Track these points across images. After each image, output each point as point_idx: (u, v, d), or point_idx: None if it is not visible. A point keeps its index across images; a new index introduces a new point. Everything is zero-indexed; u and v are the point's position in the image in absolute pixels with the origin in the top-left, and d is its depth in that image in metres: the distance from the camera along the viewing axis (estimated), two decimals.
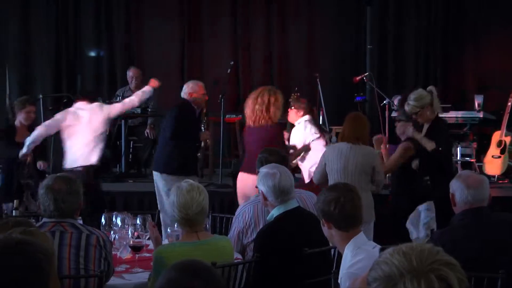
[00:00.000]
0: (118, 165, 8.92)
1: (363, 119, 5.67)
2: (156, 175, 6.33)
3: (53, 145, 8.43)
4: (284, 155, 4.78)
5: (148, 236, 4.06)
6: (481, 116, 8.56)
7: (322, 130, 6.92)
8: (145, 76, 9.20)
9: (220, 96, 8.00)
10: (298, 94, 8.23)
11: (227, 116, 8.39)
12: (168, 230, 4.21)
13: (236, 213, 4.37)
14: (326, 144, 6.63)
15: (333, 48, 10.43)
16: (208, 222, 4.31)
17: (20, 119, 6.49)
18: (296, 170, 6.76)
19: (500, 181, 8.16)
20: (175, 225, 4.01)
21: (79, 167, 6.11)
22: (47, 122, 6.29)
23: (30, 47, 10.64)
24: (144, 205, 7.27)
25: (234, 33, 10.63)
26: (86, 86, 10.09)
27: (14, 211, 5.18)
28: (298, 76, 10.33)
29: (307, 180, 6.52)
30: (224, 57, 10.04)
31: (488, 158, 8.23)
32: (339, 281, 2.98)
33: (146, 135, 8.74)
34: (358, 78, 8.71)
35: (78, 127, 6.15)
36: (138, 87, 8.68)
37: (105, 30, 10.70)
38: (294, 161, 6.48)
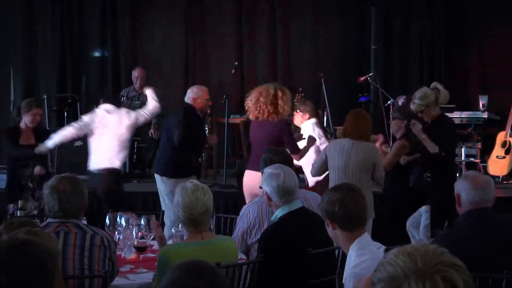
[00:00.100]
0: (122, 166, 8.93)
1: (365, 116, 5.65)
2: (157, 177, 6.32)
3: (57, 149, 8.47)
4: (288, 155, 4.77)
5: (152, 237, 4.06)
6: (486, 116, 8.55)
7: (327, 133, 6.90)
8: (149, 77, 9.24)
9: (224, 96, 8.00)
10: (303, 94, 8.25)
11: (231, 116, 8.40)
12: (173, 230, 4.21)
13: (241, 213, 4.37)
14: None
15: (338, 49, 10.43)
16: (212, 223, 4.30)
17: (25, 121, 6.42)
18: (300, 170, 6.74)
19: (505, 182, 8.16)
20: (179, 226, 4.01)
21: (103, 169, 6.09)
22: (77, 124, 6.22)
23: (34, 47, 10.66)
24: (148, 205, 7.27)
25: (238, 34, 10.64)
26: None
27: (18, 211, 5.19)
28: (302, 77, 10.34)
29: (311, 184, 6.48)
30: (228, 58, 10.04)
31: (492, 158, 8.22)
32: (343, 281, 2.98)
33: (150, 135, 8.74)
34: (362, 78, 8.71)
35: (105, 130, 6.13)
36: (143, 87, 8.70)
37: (109, 31, 10.71)
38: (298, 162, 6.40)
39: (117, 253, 3.64)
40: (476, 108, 8.74)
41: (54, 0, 10.59)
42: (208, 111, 6.88)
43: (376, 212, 5.43)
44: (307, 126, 6.70)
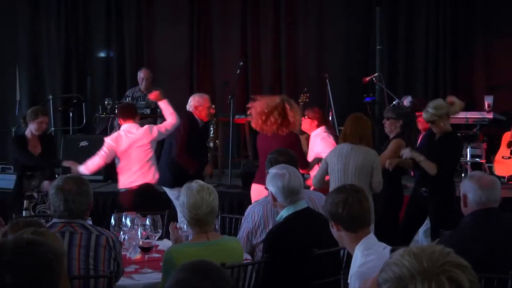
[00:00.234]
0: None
1: (365, 120, 5.59)
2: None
3: (62, 149, 8.48)
4: (293, 155, 4.74)
5: (157, 237, 4.07)
6: (491, 116, 8.52)
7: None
8: (154, 77, 9.25)
9: (230, 96, 7.99)
10: (308, 95, 8.24)
11: (236, 116, 8.39)
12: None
13: (246, 213, 4.37)
14: None
15: (343, 49, 10.42)
16: (218, 223, 4.31)
17: (31, 129, 6.27)
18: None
19: (511, 182, 8.13)
20: (184, 226, 4.02)
21: (134, 186, 5.93)
22: (102, 152, 5.92)
23: (40, 48, 10.70)
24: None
25: (243, 33, 10.64)
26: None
27: (24, 212, 5.21)
28: (307, 77, 10.33)
29: None
30: (233, 58, 10.03)
31: (498, 159, 8.20)
32: (348, 281, 2.97)
33: None
34: (367, 78, 8.70)
35: (130, 150, 5.94)
36: (148, 88, 8.73)
37: (115, 31, 10.74)
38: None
39: (122, 253, 3.64)
40: (482, 108, 8.72)
41: (59, 0, 10.62)
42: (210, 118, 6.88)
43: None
44: (319, 133, 6.54)
